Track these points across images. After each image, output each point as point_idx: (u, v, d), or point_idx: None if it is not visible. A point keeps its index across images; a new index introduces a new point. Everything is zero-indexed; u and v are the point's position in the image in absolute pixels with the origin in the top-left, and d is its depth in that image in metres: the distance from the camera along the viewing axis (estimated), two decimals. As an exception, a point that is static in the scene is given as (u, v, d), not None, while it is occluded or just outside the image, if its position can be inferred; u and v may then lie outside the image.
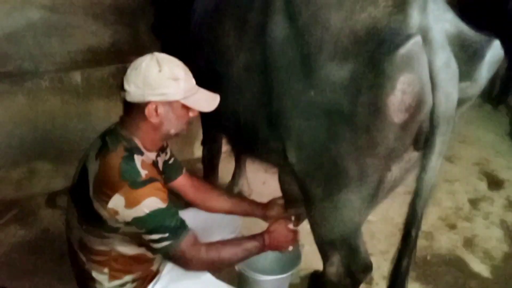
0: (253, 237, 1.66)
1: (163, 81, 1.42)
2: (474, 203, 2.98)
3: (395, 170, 1.43)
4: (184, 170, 1.86)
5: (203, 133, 2.54)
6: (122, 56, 2.94)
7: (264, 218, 1.91)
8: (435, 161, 1.25)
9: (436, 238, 2.66)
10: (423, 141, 1.30)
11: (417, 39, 1.16)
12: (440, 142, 1.23)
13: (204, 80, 1.55)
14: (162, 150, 1.72)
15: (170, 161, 1.80)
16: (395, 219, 2.74)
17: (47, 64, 2.84)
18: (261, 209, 1.91)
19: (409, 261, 1.44)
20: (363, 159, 1.34)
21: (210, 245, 1.55)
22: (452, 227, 2.75)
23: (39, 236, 2.57)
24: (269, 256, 2.14)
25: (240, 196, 1.97)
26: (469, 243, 2.64)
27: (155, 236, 1.43)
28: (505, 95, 3.80)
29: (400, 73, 1.16)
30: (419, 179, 1.30)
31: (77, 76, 2.77)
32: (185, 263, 1.51)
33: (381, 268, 2.28)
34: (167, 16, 2.48)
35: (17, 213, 2.72)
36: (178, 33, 2.22)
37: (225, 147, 2.61)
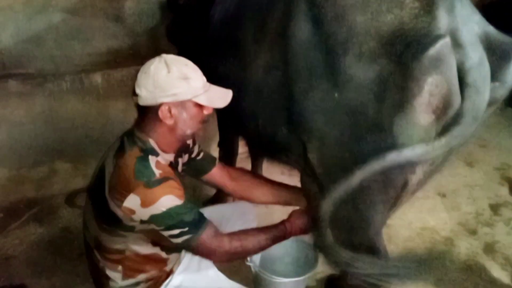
0: (275, 226, 1.65)
1: (173, 82, 1.42)
2: (495, 208, 2.93)
3: (419, 172, 1.41)
4: (217, 162, 1.86)
5: (220, 135, 2.55)
6: (141, 58, 2.95)
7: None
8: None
9: (456, 243, 2.62)
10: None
11: (446, 40, 1.15)
12: (461, 132, 1.21)
13: (222, 83, 1.55)
14: (185, 151, 1.73)
15: (199, 157, 1.81)
16: (413, 224, 2.72)
17: (68, 66, 2.88)
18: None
19: None
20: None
21: (232, 234, 1.56)
22: (472, 232, 2.71)
23: (58, 235, 2.60)
24: (286, 259, 2.14)
25: (284, 184, 1.93)
26: (489, 249, 2.59)
27: (175, 231, 1.44)
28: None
29: (428, 75, 1.16)
30: None
31: (97, 77, 2.81)
32: (208, 254, 1.52)
33: (399, 273, 2.25)
34: (184, 21, 2.50)
35: (36, 212, 2.76)
36: (195, 37, 2.23)
37: (241, 149, 2.62)
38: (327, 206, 1.32)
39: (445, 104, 1.20)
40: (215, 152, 2.72)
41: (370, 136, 1.31)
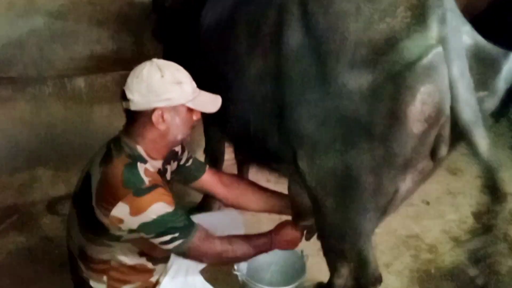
0: (260, 235, 1.65)
1: (167, 86, 1.41)
2: (477, 216, 2.96)
3: (409, 181, 1.42)
4: (207, 168, 1.84)
5: (206, 141, 2.52)
6: (125, 63, 2.92)
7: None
8: (486, 144, 1.23)
9: (440, 251, 2.64)
10: (441, 152, 1.29)
11: (438, 50, 1.16)
12: (481, 138, 1.22)
13: (211, 87, 1.55)
14: (174, 158, 1.71)
15: (188, 163, 1.79)
16: (398, 231, 2.73)
17: (50, 70, 2.83)
18: None
19: None
20: (379, 169, 1.33)
21: (223, 238, 1.55)
22: (456, 240, 2.74)
23: (39, 244, 2.53)
24: (273, 267, 2.13)
25: (276, 192, 1.91)
26: (474, 257, 2.62)
27: (166, 238, 1.42)
28: (506, 109, 3.81)
29: (421, 84, 1.16)
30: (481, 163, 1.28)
31: (80, 82, 2.77)
32: (200, 256, 1.51)
33: (385, 281, 2.25)
34: (171, 23, 2.47)
35: (16, 220, 2.68)
36: (182, 40, 2.21)
37: (227, 156, 2.60)
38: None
39: (438, 113, 1.20)
40: (200, 158, 2.70)
41: (362, 144, 1.30)
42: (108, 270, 1.52)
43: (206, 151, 2.55)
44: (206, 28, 1.93)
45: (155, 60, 1.45)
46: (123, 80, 2.75)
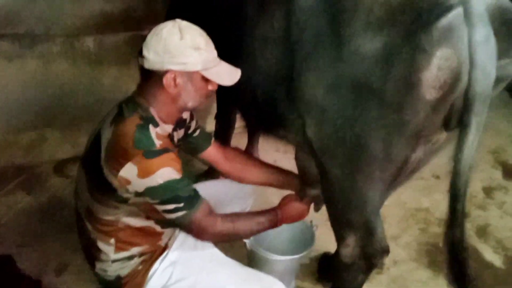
0: (266, 211, 1.63)
1: (184, 50, 1.37)
2: (488, 191, 2.92)
3: (420, 151, 1.36)
4: (212, 141, 1.83)
5: (218, 107, 2.49)
6: (135, 23, 2.85)
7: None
8: (472, 141, 1.17)
9: (449, 225, 2.60)
10: (455, 122, 1.23)
11: (458, 11, 1.09)
12: (476, 122, 1.16)
13: (218, 50, 1.48)
14: (181, 125, 1.69)
15: (196, 133, 1.77)
16: (407, 204, 2.71)
17: (58, 28, 2.74)
18: (297, 182, 1.83)
19: (462, 233, 1.38)
20: (389, 137, 1.28)
21: (226, 215, 1.53)
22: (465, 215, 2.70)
23: (47, 204, 2.55)
24: (282, 236, 2.11)
25: (278, 167, 1.91)
26: (482, 232, 2.59)
27: (170, 206, 1.40)
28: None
29: (438, 47, 1.10)
30: (456, 160, 1.22)
31: (89, 42, 2.70)
32: (200, 232, 1.49)
33: (393, 253, 2.22)
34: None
35: (24, 179, 2.69)
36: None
37: (238, 123, 2.57)
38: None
39: (454, 80, 1.14)
40: (210, 125, 2.67)
41: (373, 112, 1.25)
42: (115, 232, 1.51)
43: (217, 118, 2.52)
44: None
45: (178, 21, 1.41)
46: (134, 41, 2.69)
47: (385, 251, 1.62)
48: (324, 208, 1.72)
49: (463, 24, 1.10)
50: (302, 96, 1.41)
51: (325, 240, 2.03)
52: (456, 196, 1.28)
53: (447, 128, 1.27)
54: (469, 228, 2.59)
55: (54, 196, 2.60)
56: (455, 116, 1.23)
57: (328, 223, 1.67)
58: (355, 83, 1.26)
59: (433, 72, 1.12)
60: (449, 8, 1.09)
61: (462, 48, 1.11)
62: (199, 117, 3.04)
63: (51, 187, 2.67)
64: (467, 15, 1.11)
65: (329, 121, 1.37)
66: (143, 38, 1.41)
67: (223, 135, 2.50)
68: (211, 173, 2.55)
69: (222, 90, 1.55)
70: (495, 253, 2.45)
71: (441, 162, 2.93)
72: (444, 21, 1.08)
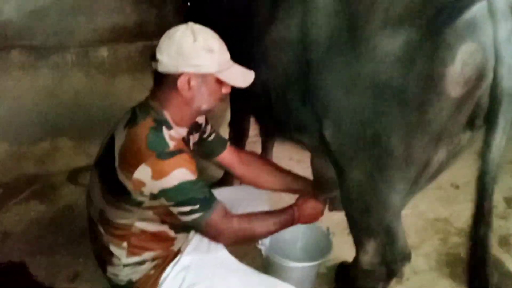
0: (282, 210, 1.61)
1: (198, 52, 1.36)
2: (509, 201, 2.85)
3: (442, 152, 1.32)
4: (228, 145, 1.82)
5: (231, 114, 2.47)
6: (147, 35, 2.87)
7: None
8: (499, 140, 1.14)
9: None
10: (480, 121, 1.19)
11: (483, 4, 1.05)
12: (503, 120, 1.12)
13: (233, 53, 1.47)
14: (196, 129, 1.68)
15: (211, 138, 1.76)
16: (426, 214, 2.65)
17: (72, 41, 2.79)
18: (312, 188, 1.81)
19: (486, 235, 1.36)
20: (411, 138, 1.23)
21: (242, 216, 1.51)
22: (487, 225, 2.63)
23: (59, 213, 2.54)
24: (298, 244, 2.07)
25: (293, 173, 1.89)
26: (504, 242, 2.51)
27: (186, 208, 1.38)
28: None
29: (462, 42, 1.06)
30: (484, 159, 1.19)
31: (103, 52, 2.73)
32: (217, 234, 1.47)
33: (412, 263, 2.16)
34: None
35: (37, 189, 2.70)
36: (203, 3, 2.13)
37: (251, 131, 2.54)
38: None
39: (479, 76, 1.10)
40: (224, 132, 2.65)
41: (394, 111, 1.21)
42: (128, 236, 1.49)
43: (230, 125, 2.51)
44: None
45: (191, 23, 1.40)
46: (147, 51, 2.70)
47: (407, 257, 1.56)
48: (341, 218, 1.67)
49: (488, 19, 1.07)
50: (319, 97, 1.38)
51: (342, 249, 1.98)
52: (483, 195, 1.24)
53: (471, 128, 1.23)
54: (492, 238, 2.52)
55: (67, 205, 2.59)
56: (481, 115, 1.19)
57: (346, 232, 1.62)
58: (374, 83, 1.22)
59: (458, 68, 1.08)
60: (473, 2, 1.06)
61: (487, 43, 1.08)
62: (215, 124, 3.05)
63: (64, 196, 2.66)
64: (491, 10, 1.08)
65: (348, 122, 1.33)
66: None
67: (236, 143, 2.47)
68: (225, 181, 2.53)
69: (236, 96, 1.53)
70: (518, 263, 2.37)
71: (459, 172, 2.88)
72: (468, 14, 1.05)
